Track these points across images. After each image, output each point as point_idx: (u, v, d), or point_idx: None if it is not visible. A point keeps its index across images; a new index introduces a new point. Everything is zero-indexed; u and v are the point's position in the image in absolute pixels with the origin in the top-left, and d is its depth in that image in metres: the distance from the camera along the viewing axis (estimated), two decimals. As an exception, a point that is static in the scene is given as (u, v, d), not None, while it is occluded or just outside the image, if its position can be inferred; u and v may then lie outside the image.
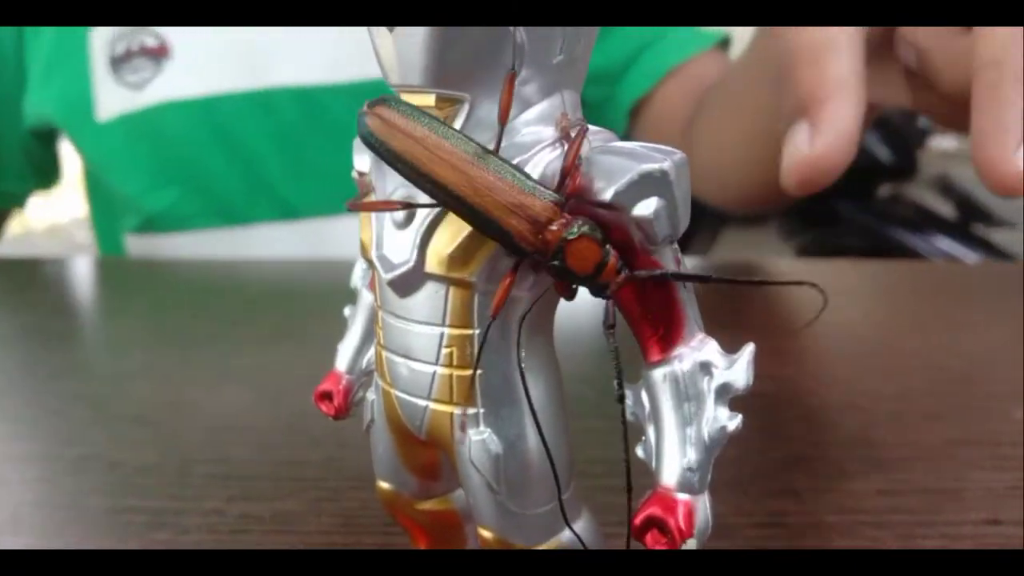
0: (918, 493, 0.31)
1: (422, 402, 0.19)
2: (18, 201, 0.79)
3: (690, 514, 0.18)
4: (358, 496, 0.31)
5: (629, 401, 0.19)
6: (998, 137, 0.26)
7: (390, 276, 0.18)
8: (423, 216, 0.18)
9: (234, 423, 0.38)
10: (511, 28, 0.17)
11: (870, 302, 0.56)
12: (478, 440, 0.19)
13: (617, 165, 0.17)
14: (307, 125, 0.67)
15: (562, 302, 0.20)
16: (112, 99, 0.67)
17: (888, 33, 0.33)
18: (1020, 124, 0.26)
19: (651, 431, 0.18)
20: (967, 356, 0.45)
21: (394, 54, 0.17)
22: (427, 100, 0.18)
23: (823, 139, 0.29)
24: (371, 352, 0.23)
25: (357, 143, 0.21)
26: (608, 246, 0.17)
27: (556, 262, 0.17)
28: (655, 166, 0.17)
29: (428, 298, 0.18)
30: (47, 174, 0.77)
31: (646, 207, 0.17)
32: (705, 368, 0.18)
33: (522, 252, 0.17)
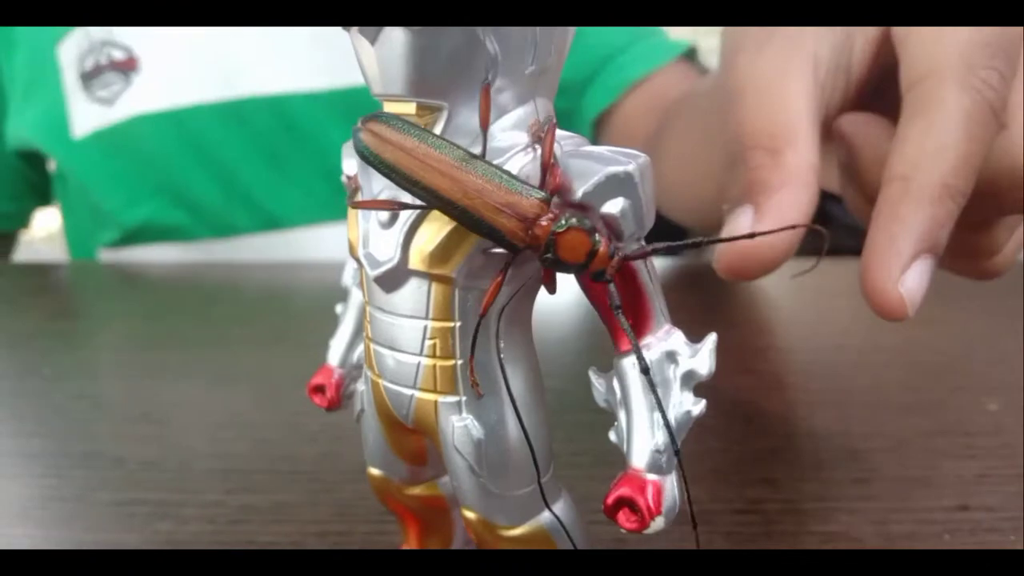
0: (890, 481, 0.32)
1: (408, 391, 0.20)
2: (18, 221, 0.80)
3: (659, 493, 0.19)
4: (352, 488, 0.32)
5: (602, 389, 0.20)
6: (885, 258, 0.25)
7: (376, 273, 0.19)
8: (406, 216, 0.19)
9: (234, 421, 0.39)
10: (484, 40, 0.18)
11: (852, 300, 0.57)
12: (460, 426, 0.20)
13: (585, 167, 0.18)
14: (281, 134, 0.67)
15: (542, 300, 0.21)
16: (85, 116, 0.67)
17: (829, 120, 0.31)
18: (911, 247, 0.24)
19: (622, 416, 0.20)
20: (943, 351, 0.46)
21: (376, 65, 0.19)
22: (408, 108, 0.19)
23: (766, 229, 0.26)
24: (362, 346, 0.24)
25: (346, 148, 0.22)
26: (597, 234, 0.18)
27: (548, 255, 0.18)
28: (620, 168, 0.18)
29: (412, 293, 0.19)
30: (43, 192, 0.78)
31: (613, 206, 0.18)
32: (671, 357, 0.19)
33: (514, 248, 0.18)
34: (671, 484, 0.19)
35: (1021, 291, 0.55)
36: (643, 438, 0.19)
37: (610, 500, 0.19)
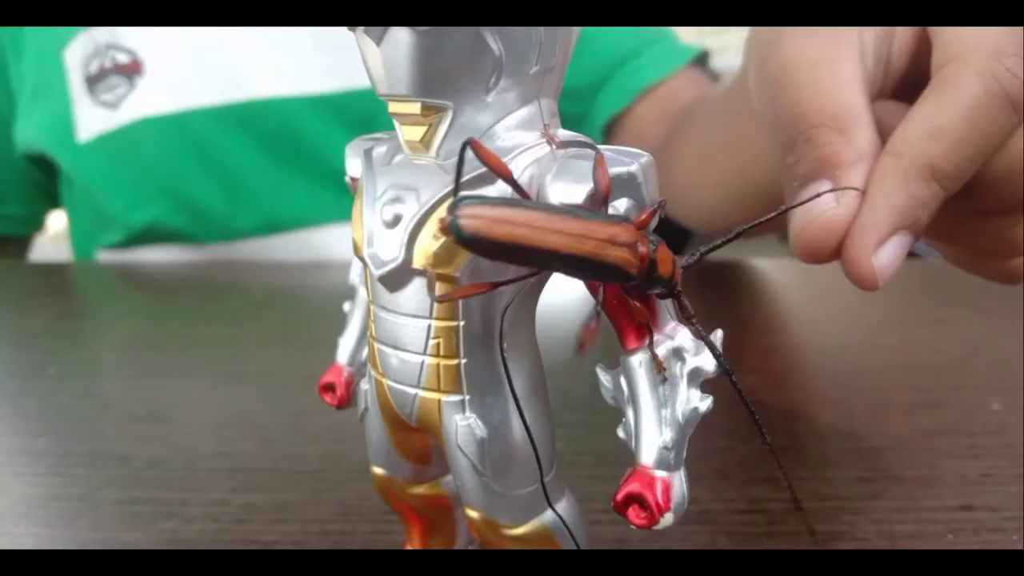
0: (894, 481, 0.32)
1: (412, 390, 0.20)
2: (31, 224, 0.80)
3: (667, 490, 0.19)
4: (355, 487, 0.32)
5: (609, 386, 0.20)
6: (863, 229, 0.25)
7: (380, 272, 0.19)
8: (410, 216, 0.19)
9: (238, 420, 0.39)
10: (489, 41, 0.18)
11: (857, 300, 0.58)
12: (464, 425, 0.20)
13: (588, 169, 0.18)
14: (285, 137, 0.67)
15: (544, 299, 0.21)
16: (90, 120, 0.67)
17: None
18: (889, 222, 0.25)
19: (630, 413, 0.20)
20: (947, 351, 0.46)
21: (382, 66, 0.19)
22: (413, 108, 0.19)
23: (853, 200, 0.25)
24: (368, 345, 0.24)
25: (349, 148, 0.22)
26: (666, 246, 0.18)
27: (654, 274, 0.18)
28: (624, 169, 0.18)
29: (416, 292, 0.20)
30: (53, 196, 0.78)
31: (617, 207, 0.18)
32: (678, 354, 0.19)
33: (631, 278, 0.18)
34: (680, 480, 0.19)
35: (1019, 292, 0.55)
36: (651, 435, 0.19)
37: (620, 496, 0.19)
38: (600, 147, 0.19)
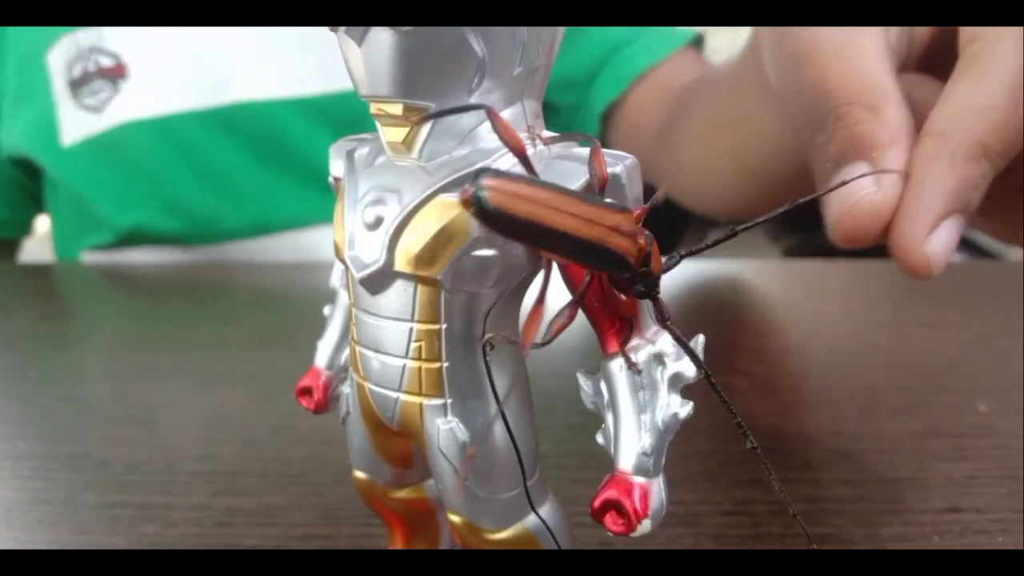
0: (881, 483, 0.32)
1: (393, 394, 0.20)
2: (17, 228, 0.80)
3: (645, 496, 0.19)
4: (340, 491, 0.32)
5: (589, 391, 0.20)
6: (912, 216, 0.24)
7: (361, 275, 0.19)
8: (392, 218, 0.19)
9: (223, 422, 0.39)
10: (472, 42, 0.18)
11: (848, 302, 0.58)
12: (446, 429, 0.20)
13: (573, 169, 0.18)
14: (271, 140, 0.66)
15: (529, 302, 0.21)
16: (74, 123, 0.67)
17: None
18: (940, 207, 0.24)
19: (609, 419, 0.20)
20: (936, 352, 0.46)
21: (363, 67, 0.18)
22: (395, 109, 0.19)
23: (894, 184, 0.24)
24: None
25: (333, 149, 0.22)
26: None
27: (645, 268, 0.18)
28: (608, 171, 0.18)
29: (398, 295, 0.19)
30: (39, 199, 0.77)
31: (599, 208, 0.18)
32: (658, 359, 0.19)
33: (629, 268, 0.18)
34: (658, 487, 0.19)
35: (1013, 293, 0.55)
36: (630, 441, 0.19)
37: (597, 503, 0.19)
38: (586, 149, 0.19)
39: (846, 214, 0.25)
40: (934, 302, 0.56)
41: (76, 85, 0.67)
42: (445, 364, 0.20)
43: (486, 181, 0.16)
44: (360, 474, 0.23)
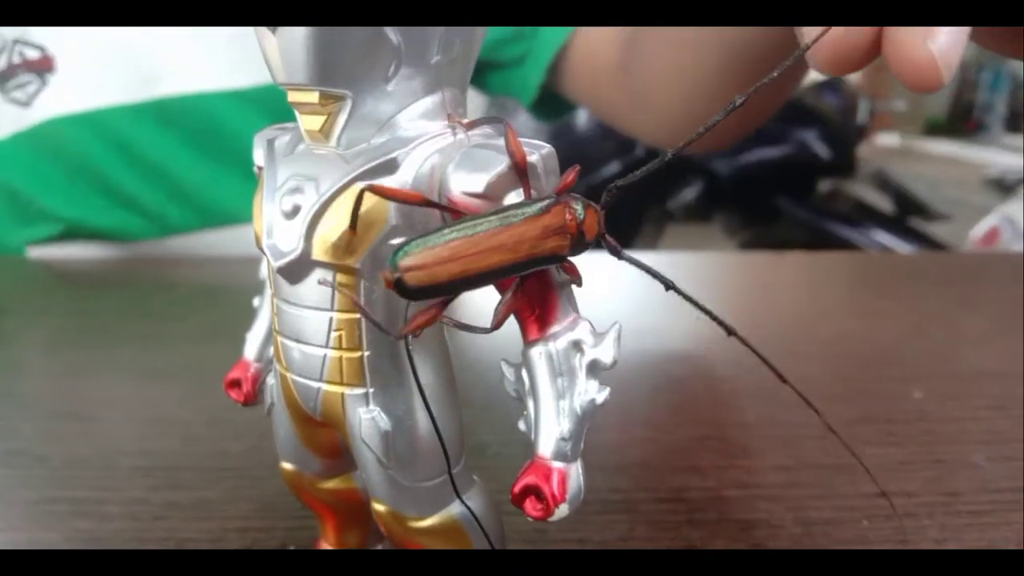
0: (813, 468, 0.33)
1: (315, 384, 0.20)
2: None
3: (563, 481, 0.19)
4: (276, 484, 0.31)
5: (512, 378, 0.20)
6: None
7: (279, 264, 0.19)
8: (309, 206, 0.19)
9: (163, 417, 0.38)
10: (387, 31, 0.18)
11: (793, 293, 0.59)
12: (367, 418, 0.20)
13: (489, 158, 0.18)
14: (208, 133, 0.65)
15: (479, 293, 0.21)
16: (3, 117, 0.65)
17: None
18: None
19: (530, 405, 0.20)
20: (876, 342, 0.47)
21: (278, 55, 0.18)
22: (311, 97, 0.19)
23: None
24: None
25: (256, 138, 0.22)
26: (591, 203, 0.18)
27: (580, 245, 0.18)
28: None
29: (317, 284, 0.19)
30: None
31: (516, 196, 0.18)
32: (577, 346, 0.19)
33: (564, 257, 0.18)
34: (576, 472, 0.19)
35: (952, 283, 0.56)
36: (549, 426, 0.19)
37: (516, 489, 0.19)
38: (503, 139, 0.19)
39: (830, 32, 0.21)
40: (875, 292, 0.57)
41: (2, 78, 0.65)
42: (366, 353, 0.20)
43: (403, 264, 0.17)
44: (287, 465, 0.23)
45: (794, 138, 1.73)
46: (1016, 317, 0.50)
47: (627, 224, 0.74)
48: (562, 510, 0.19)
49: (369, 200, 0.18)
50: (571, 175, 0.19)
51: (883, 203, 1.83)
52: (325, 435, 0.22)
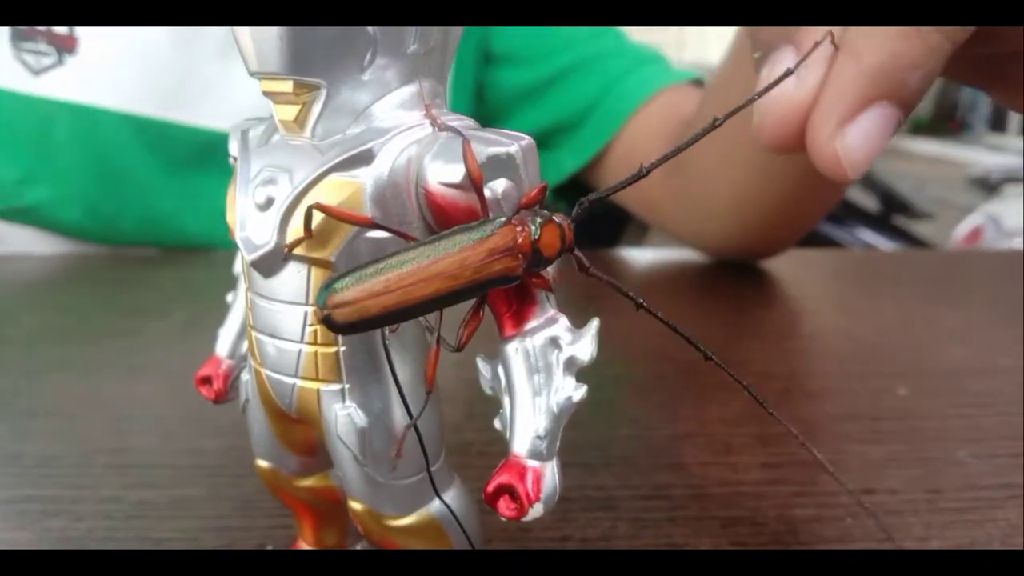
0: (797, 465, 0.33)
1: (290, 380, 0.20)
2: None
3: (538, 480, 0.19)
4: (255, 482, 0.31)
5: (488, 376, 0.20)
6: (827, 104, 0.20)
7: (253, 257, 0.19)
8: (283, 198, 0.18)
9: (140, 414, 0.38)
10: (361, 18, 0.18)
11: (774, 289, 0.58)
12: (344, 414, 0.19)
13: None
14: (198, 165, 0.63)
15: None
16: (5, 67, 0.63)
17: None
18: (858, 92, 0.19)
19: (506, 402, 0.19)
20: (859, 338, 0.47)
21: (251, 42, 0.18)
22: (285, 86, 0.18)
23: (816, 74, 0.20)
24: (253, 335, 0.23)
25: (231, 129, 0.21)
26: (555, 218, 0.18)
27: (538, 263, 0.18)
28: (502, 149, 0.18)
29: (291, 278, 0.19)
30: None
31: (495, 187, 0.18)
32: (554, 342, 0.19)
33: (516, 279, 0.18)
34: (551, 470, 0.19)
35: (934, 280, 0.56)
36: (525, 424, 0.19)
37: (490, 488, 0.19)
38: (481, 130, 0.19)
39: (767, 115, 0.21)
40: (856, 289, 0.57)
41: (20, 34, 0.62)
42: (342, 348, 0.19)
43: (331, 300, 0.17)
44: (263, 463, 0.23)
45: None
46: (1000, 315, 0.50)
47: (613, 220, 0.74)
48: (536, 510, 0.18)
49: (344, 192, 0.18)
50: (535, 191, 0.18)
51: (868, 201, 1.83)
52: (301, 432, 0.22)
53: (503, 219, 0.18)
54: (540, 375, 0.19)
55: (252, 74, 0.19)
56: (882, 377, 0.41)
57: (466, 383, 0.21)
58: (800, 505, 0.30)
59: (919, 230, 1.81)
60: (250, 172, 0.19)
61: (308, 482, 0.23)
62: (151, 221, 0.66)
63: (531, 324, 0.19)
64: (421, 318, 0.19)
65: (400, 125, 0.19)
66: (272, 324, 0.20)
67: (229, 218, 0.20)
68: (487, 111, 0.71)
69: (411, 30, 0.18)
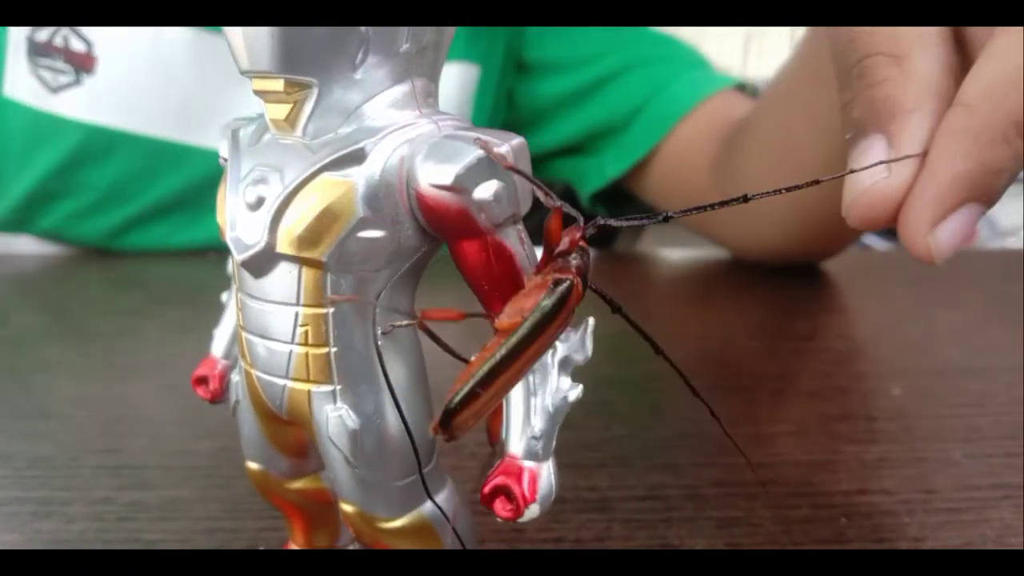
0: (791, 466, 0.33)
1: (280, 381, 0.20)
2: None
3: (534, 481, 0.18)
4: (247, 484, 0.31)
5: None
6: (923, 205, 0.21)
7: (243, 257, 0.19)
8: (274, 197, 0.18)
9: (132, 415, 0.38)
10: (353, 15, 0.17)
11: (768, 289, 0.58)
12: (335, 416, 0.19)
13: (458, 149, 0.18)
14: (209, 189, 0.63)
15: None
16: (21, 81, 0.62)
17: None
18: (952, 195, 0.21)
19: (502, 403, 0.19)
20: (852, 337, 0.47)
21: (242, 40, 0.18)
22: (276, 85, 0.18)
23: (907, 169, 0.22)
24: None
25: (221, 128, 0.21)
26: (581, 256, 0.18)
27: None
28: (495, 150, 0.18)
29: (282, 278, 0.19)
30: None
31: (486, 189, 0.18)
32: (549, 342, 0.19)
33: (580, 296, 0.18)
34: (547, 471, 0.19)
35: (926, 280, 0.56)
36: (520, 425, 0.19)
37: (486, 489, 0.19)
38: (474, 129, 0.19)
39: (857, 201, 0.22)
40: (848, 288, 0.57)
41: (38, 50, 0.62)
42: (333, 349, 0.19)
43: (456, 432, 0.17)
44: (253, 465, 0.23)
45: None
46: (994, 314, 0.50)
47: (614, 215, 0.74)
48: (532, 510, 0.18)
49: (335, 192, 0.18)
50: (576, 234, 0.18)
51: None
52: (292, 434, 0.21)
53: (564, 285, 0.18)
54: (535, 375, 0.19)
55: (243, 72, 0.18)
56: (876, 377, 0.41)
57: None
58: (794, 506, 0.30)
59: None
60: (241, 171, 0.19)
61: (299, 484, 0.23)
62: (167, 240, 0.66)
63: (525, 323, 0.19)
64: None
65: (392, 124, 0.19)
66: (262, 325, 0.19)
67: (219, 218, 0.19)
68: (519, 117, 0.70)
69: (404, 28, 0.18)
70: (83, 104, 0.62)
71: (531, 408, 0.19)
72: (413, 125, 0.19)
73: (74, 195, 0.64)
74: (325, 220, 0.18)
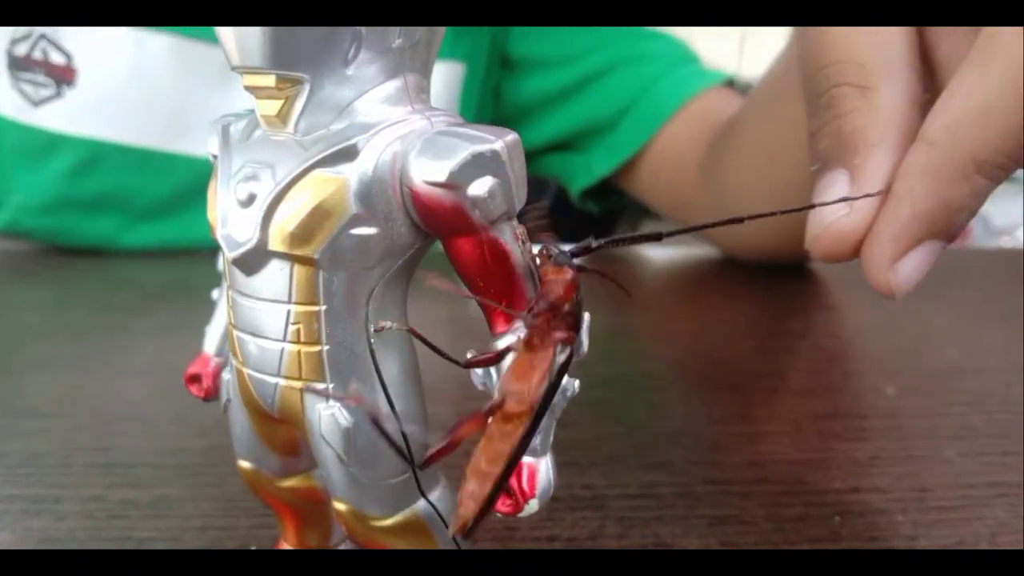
0: (784, 464, 0.33)
1: (272, 379, 0.19)
2: None
3: (532, 476, 0.18)
4: (239, 482, 0.31)
5: (479, 372, 0.20)
6: (884, 241, 0.22)
7: (234, 254, 0.18)
8: (266, 194, 0.18)
9: (125, 413, 0.38)
10: (345, 11, 0.17)
11: (761, 288, 0.58)
12: (327, 414, 0.19)
13: (452, 146, 0.18)
14: (196, 196, 0.63)
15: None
16: (4, 96, 0.62)
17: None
18: (913, 233, 0.21)
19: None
20: (845, 336, 0.47)
21: (233, 36, 0.18)
22: (267, 81, 0.18)
23: (868, 207, 0.22)
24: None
25: (210, 125, 0.21)
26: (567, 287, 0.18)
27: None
28: (487, 146, 0.18)
29: (273, 276, 0.19)
30: None
31: (480, 186, 0.18)
32: (544, 338, 0.19)
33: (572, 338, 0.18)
34: (545, 466, 0.19)
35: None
36: (516, 422, 0.19)
37: (485, 485, 0.18)
38: (465, 126, 0.19)
39: (819, 238, 0.23)
40: (840, 286, 0.57)
41: (18, 64, 0.62)
42: (325, 347, 0.19)
43: (471, 536, 0.17)
44: (245, 464, 0.22)
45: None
46: (988, 313, 0.50)
47: (604, 217, 0.74)
48: (531, 505, 0.18)
49: (328, 188, 0.18)
50: (568, 276, 0.18)
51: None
52: (284, 432, 0.21)
53: (564, 355, 0.18)
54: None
55: (234, 68, 0.18)
56: (870, 376, 0.41)
57: (453, 380, 0.21)
58: (788, 504, 0.30)
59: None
60: (231, 168, 0.19)
61: (291, 483, 0.23)
62: (157, 244, 0.66)
63: (520, 321, 0.19)
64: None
65: (385, 120, 0.18)
66: (254, 322, 0.19)
67: (210, 215, 0.19)
68: (506, 114, 0.70)
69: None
70: (66, 116, 0.62)
71: (526, 405, 0.18)
72: (405, 121, 0.19)
73: (64, 207, 0.64)
74: (317, 217, 0.18)
